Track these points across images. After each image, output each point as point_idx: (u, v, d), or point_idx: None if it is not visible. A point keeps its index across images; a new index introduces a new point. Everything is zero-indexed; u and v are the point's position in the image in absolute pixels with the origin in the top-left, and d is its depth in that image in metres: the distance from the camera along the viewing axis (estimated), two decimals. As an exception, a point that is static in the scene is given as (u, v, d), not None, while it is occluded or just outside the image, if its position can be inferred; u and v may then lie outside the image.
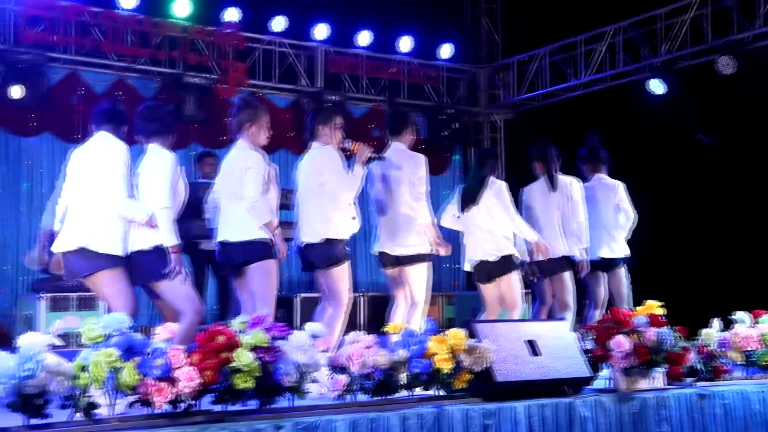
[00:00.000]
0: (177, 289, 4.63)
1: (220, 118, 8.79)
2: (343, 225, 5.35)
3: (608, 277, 6.68)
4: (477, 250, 6.11)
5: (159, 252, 4.59)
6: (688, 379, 4.85)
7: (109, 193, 4.56)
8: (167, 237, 4.58)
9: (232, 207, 4.96)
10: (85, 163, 4.67)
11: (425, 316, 5.46)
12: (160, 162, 4.69)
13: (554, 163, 6.44)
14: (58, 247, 4.65)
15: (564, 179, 6.42)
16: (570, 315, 6.26)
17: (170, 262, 4.58)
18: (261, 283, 4.90)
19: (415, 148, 6.01)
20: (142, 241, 4.60)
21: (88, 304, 7.45)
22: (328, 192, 5.32)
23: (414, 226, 5.66)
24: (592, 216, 6.54)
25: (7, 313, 8.51)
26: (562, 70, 11.09)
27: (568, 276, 6.37)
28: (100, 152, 4.66)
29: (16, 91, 8.77)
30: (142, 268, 4.62)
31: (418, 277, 5.68)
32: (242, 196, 4.90)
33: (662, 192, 9.41)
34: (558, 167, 6.46)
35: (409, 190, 5.65)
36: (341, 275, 5.31)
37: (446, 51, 11.65)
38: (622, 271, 6.71)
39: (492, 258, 6.04)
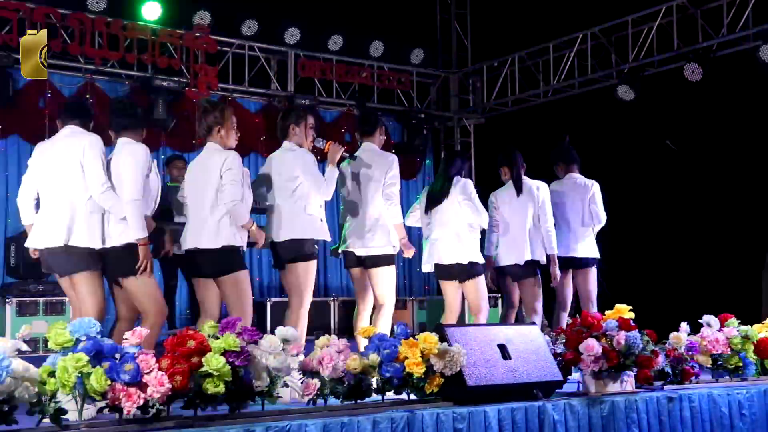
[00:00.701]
0: (144, 287, 4.63)
1: (191, 121, 8.72)
2: (313, 226, 5.34)
3: (578, 276, 6.68)
4: (439, 253, 6.09)
5: (130, 248, 4.60)
6: (657, 383, 4.90)
7: (88, 186, 4.55)
8: (135, 230, 4.56)
9: (204, 213, 4.89)
10: (57, 157, 4.62)
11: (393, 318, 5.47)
12: (132, 154, 4.68)
13: (520, 168, 6.46)
14: (37, 243, 4.61)
15: (531, 183, 6.43)
16: (538, 319, 6.28)
17: (139, 256, 4.56)
18: (235, 295, 4.87)
19: (385, 151, 6.02)
20: (115, 238, 4.62)
21: (56, 308, 7.37)
22: (300, 194, 5.31)
23: (382, 226, 5.66)
24: (564, 215, 6.56)
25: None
26: (532, 76, 11.17)
27: (536, 280, 6.39)
28: (74, 145, 4.61)
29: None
30: (113, 264, 4.62)
31: (384, 279, 5.68)
32: (218, 200, 4.84)
33: (631, 197, 9.50)
34: (524, 172, 6.49)
35: (380, 190, 5.66)
36: (306, 272, 5.27)
37: (417, 56, 11.68)
38: (593, 271, 6.72)
39: (454, 262, 6.05)
